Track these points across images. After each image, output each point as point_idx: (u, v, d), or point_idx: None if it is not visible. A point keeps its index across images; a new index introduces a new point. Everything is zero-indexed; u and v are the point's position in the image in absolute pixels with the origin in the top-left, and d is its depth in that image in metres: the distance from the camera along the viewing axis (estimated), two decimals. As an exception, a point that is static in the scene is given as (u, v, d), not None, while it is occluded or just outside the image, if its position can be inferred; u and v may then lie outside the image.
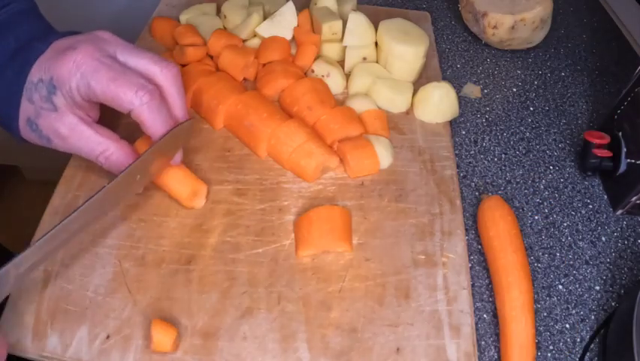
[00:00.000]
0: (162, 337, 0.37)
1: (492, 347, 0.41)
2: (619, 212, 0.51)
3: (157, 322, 0.37)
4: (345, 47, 0.59)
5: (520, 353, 0.38)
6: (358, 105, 0.54)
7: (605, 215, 0.51)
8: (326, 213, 0.44)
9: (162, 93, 0.42)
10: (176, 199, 0.46)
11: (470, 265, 0.46)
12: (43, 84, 0.39)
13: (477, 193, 0.52)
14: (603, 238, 0.49)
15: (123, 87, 0.39)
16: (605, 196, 0.53)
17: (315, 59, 0.57)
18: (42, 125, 0.40)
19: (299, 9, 0.60)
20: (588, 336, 0.42)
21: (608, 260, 0.47)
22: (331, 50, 0.59)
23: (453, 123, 0.58)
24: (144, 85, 0.39)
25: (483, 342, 0.41)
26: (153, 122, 0.41)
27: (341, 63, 0.60)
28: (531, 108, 0.61)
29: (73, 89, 0.39)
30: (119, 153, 0.42)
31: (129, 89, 0.39)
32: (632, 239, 0.49)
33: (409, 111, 0.56)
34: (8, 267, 0.34)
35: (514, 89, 0.63)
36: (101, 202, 0.39)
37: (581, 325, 0.43)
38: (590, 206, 0.52)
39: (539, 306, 0.44)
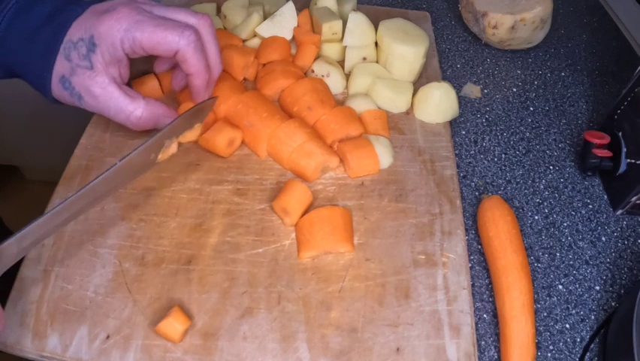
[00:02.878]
0: (175, 323, 0.37)
1: (492, 347, 0.41)
2: (619, 212, 0.51)
3: (178, 308, 0.38)
4: (345, 47, 0.59)
5: (520, 352, 0.38)
6: (358, 105, 0.54)
7: (605, 215, 0.51)
8: (327, 214, 0.44)
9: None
10: (214, 150, 0.50)
11: (470, 265, 0.46)
12: (84, 42, 0.42)
13: (477, 193, 0.52)
14: (603, 238, 0.49)
15: (169, 30, 0.42)
16: (605, 196, 0.53)
17: (315, 59, 0.57)
18: (75, 82, 0.42)
19: (299, 9, 0.60)
20: (588, 336, 0.42)
21: (608, 260, 0.47)
22: (331, 50, 0.59)
23: (453, 123, 0.58)
24: (188, 26, 0.43)
25: (483, 342, 0.41)
26: (198, 62, 0.44)
27: (341, 63, 0.60)
28: (531, 108, 0.61)
29: (116, 44, 0.41)
30: (149, 113, 0.44)
31: (175, 31, 0.42)
32: (632, 239, 0.49)
33: (409, 111, 0.56)
34: (11, 241, 0.35)
35: (514, 89, 0.63)
36: (116, 175, 0.41)
37: (581, 325, 0.43)
38: (590, 206, 0.52)
39: (539, 306, 0.44)
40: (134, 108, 0.44)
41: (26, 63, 0.43)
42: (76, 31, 0.42)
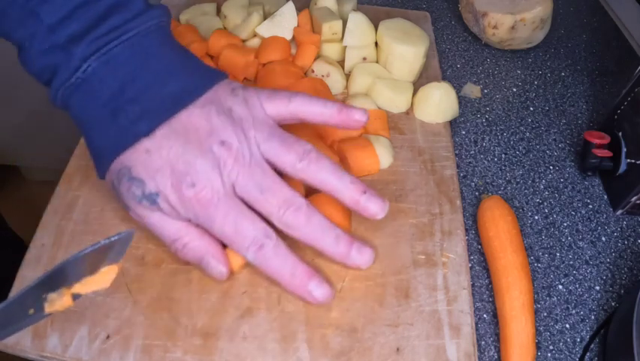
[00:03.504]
0: (234, 257, 0.39)
1: (492, 347, 0.41)
2: (619, 212, 0.51)
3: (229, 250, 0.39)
4: (345, 47, 0.59)
5: (520, 353, 0.38)
6: (359, 105, 0.54)
7: (605, 215, 0.51)
8: (325, 198, 0.44)
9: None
10: None
11: (470, 265, 0.46)
12: (143, 189, 0.36)
13: (477, 193, 0.52)
14: (603, 238, 0.49)
15: (235, 242, 0.37)
16: (605, 196, 0.53)
17: (315, 59, 0.57)
18: (121, 198, 0.38)
19: (299, 9, 0.60)
20: (588, 336, 0.42)
21: (608, 260, 0.47)
22: (331, 50, 0.59)
23: (453, 123, 0.58)
24: (257, 239, 0.36)
25: (483, 342, 0.41)
26: (276, 270, 0.37)
27: (341, 63, 0.60)
28: (531, 108, 0.61)
29: (182, 218, 0.37)
30: (196, 243, 0.38)
31: (241, 244, 0.37)
32: (632, 239, 0.49)
33: (409, 111, 0.56)
34: None
35: (514, 89, 0.63)
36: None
37: (581, 325, 0.43)
38: (590, 206, 0.52)
39: (539, 306, 0.44)
40: (183, 234, 0.38)
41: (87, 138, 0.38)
42: (139, 165, 0.36)
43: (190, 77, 0.37)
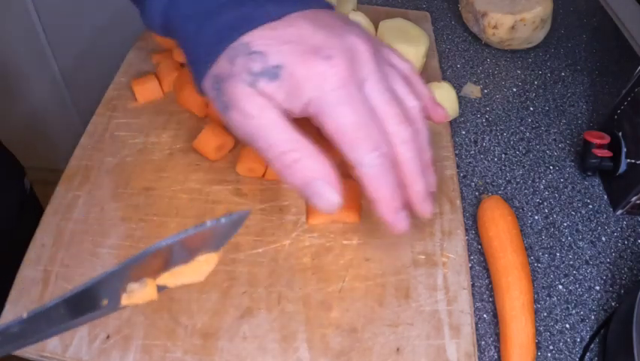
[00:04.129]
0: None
1: (492, 347, 0.41)
2: (619, 212, 0.51)
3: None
4: (345, 47, 0.59)
5: (520, 352, 0.39)
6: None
7: (605, 215, 0.51)
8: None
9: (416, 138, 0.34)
10: (203, 154, 0.49)
11: (470, 265, 0.46)
12: (264, 61, 0.31)
13: (477, 193, 0.52)
14: (603, 238, 0.49)
15: (356, 140, 0.31)
16: (605, 196, 0.53)
17: (315, 59, 0.57)
18: (226, 89, 0.32)
19: (299, 9, 0.60)
20: (588, 336, 0.42)
21: (608, 260, 0.47)
22: (331, 50, 0.59)
23: (453, 123, 0.58)
24: (379, 144, 0.32)
25: (483, 342, 0.41)
26: (382, 185, 0.33)
27: (341, 63, 0.60)
28: (531, 108, 0.61)
29: (299, 99, 0.31)
30: (310, 161, 0.32)
31: (363, 144, 0.31)
32: (632, 239, 0.49)
33: (409, 111, 0.56)
34: None
35: (514, 89, 0.63)
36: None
37: (581, 325, 0.43)
38: (590, 206, 0.52)
39: (539, 306, 0.44)
40: (295, 147, 0.32)
41: (192, 38, 0.33)
42: (260, 38, 0.31)
43: None
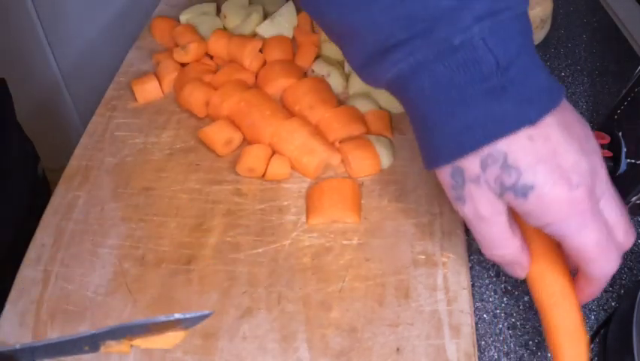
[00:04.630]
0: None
1: (492, 347, 0.41)
2: (619, 212, 0.51)
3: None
4: (345, 47, 0.59)
5: (569, 340, 0.36)
6: (361, 105, 0.54)
7: (605, 215, 0.51)
8: (337, 185, 0.46)
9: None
10: (211, 147, 0.49)
11: (470, 265, 0.46)
12: (517, 178, 0.31)
13: (477, 193, 0.52)
14: (603, 238, 0.49)
15: (597, 257, 0.33)
16: (605, 196, 0.53)
17: (315, 59, 0.57)
18: (470, 188, 0.33)
19: (299, 9, 0.60)
20: (588, 336, 0.42)
21: (608, 260, 0.47)
22: (331, 50, 0.59)
23: (453, 123, 0.57)
24: (615, 260, 0.34)
25: (483, 342, 0.41)
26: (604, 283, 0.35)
27: (341, 63, 0.60)
28: (531, 108, 0.61)
29: (541, 221, 0.32)
30: (512, 257, 0.35)
31: (601, 262, 0.33)
32: (632, 239, 0.49)
33: (409, 111, 0.56)
34: None
35: (514, 89, 0.63)
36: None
37: (581, 325, 0.43)
38: (590, 206, 0.52)
39: (539, 306, 0.44)
40: (505, 245, 0.34)
41: (434, 119, 0.32)
42: (519, 152, 0.30)
43: (549, 75, 0.33)
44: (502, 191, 0.31)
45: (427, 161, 0.34)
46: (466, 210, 0.33)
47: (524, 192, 0.31)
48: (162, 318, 0.32)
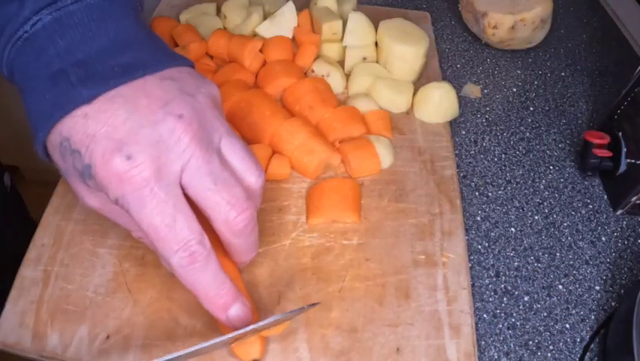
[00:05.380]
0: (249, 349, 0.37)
1: (492, 347, 0.41)
2: (619, 212, 0.51)
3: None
4: (345, 47, 0.59)
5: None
6: (361, 105, 0.54)
7: (605, 215, 0.51)
8: (337, 185, 0.46)
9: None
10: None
11: (470, 265, 0.46)
12: (81, 161, 0.30)
13: (477, 193, 0.52)
14: (603, 238, 0.49)
15: (162, 240, 0.30)
16: (605, 196, 0.53)
17: (315, 59, 0.57)
18: (69, 182, 0.33)
19: (299, 9, 0.60)
20: (588, 336, 0.42)
21: (608, 260, 0.47)
22: (331, 50, 0.59)
23: (453, 123, 0.58)
24: (188, 244, 0.31)
25: (483, 342, 0.41)
26: (201, 285, 0.32)
27: (341, 63, 0.60)
28: (531, 108, 0.61)
29: (109, 197, 0.31)
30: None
31: (168, 245, 0.30)
32: (632, 239, 0.49)
33: (409, 111, 0.56)
34: None
35: (514, 89, 0.63)
36: None
37: (581, 325, 0.43)
38: (590, 206, 0.52)
39: (539, 306, 0.44)
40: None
41: (27, 103, 0.32)
42: (77, 133, 0.30)
43: (151, 53, 0.33)
44: (80, 177, 0.31)
45: (38, 146, 0.33)
46: (89, 205, 0.34)
47: (88, 172, 0.30)
48: (278, 316, 0.34)
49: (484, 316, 0.43)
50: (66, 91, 0.30)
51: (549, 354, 0.41)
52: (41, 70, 0.31)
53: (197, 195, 0.32)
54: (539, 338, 0.42)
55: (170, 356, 0.31)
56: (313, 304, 0.36)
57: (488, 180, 0.53)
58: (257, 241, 0.36)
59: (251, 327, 0.33)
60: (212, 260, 0.32)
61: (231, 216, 0.32)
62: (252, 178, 0.34)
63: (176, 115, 0.30)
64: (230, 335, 0.33)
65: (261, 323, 0.33)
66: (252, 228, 0.34)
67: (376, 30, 0.58)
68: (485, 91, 0.63)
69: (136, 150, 0.29)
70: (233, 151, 0.33)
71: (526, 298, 0.44)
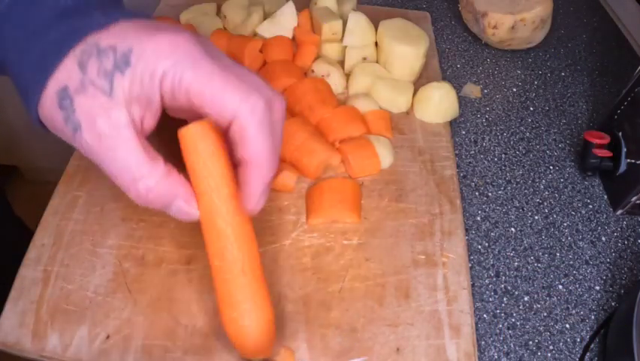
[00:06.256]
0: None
1: (492, 347, 0.41)
2: (619, 212, 0.51)
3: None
4: (345, 47, 0.59)
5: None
6: (361, 105, 0.54)
7: (605, 215, 0.51)
8: (337, 185, 0.46)
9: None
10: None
11: (470, 265, 0.46)
12: (114, 54, 0.29)
13: (477, 193, 0.52)
14: (603, 238, 0.49)
15: (230, 84, 0.29)
16: (605, 196, 0.53)
17: (315, 59, 0.57)
18: (79, 104, 0.29)
19: (299, 9, 0.60)
20: (588, 336, 0.42)
21: (608, 260, 0.47)
22: (331, 50, 0.59)
23: (453, 123, 0.58)
24: (260, 92, 0.30)
25: (483, 342, 0.41)
26: (260, 144, 0.30)
27: (341, 63, 0.60)
28: (531, 108, 0.61)
29: (155, 76, 0.29)
30: (163, 187, 0.31)
31: (238, 89, 0.29)
32: (632, 239, 0.49)
33: (409, 111, 0.56)
34: None
35: (514, 89, 0.63)
36: None
37: (581, 325, 0.43)
38: (590, 206, 0.52)
39: (539, 306, 0.44)
40: (147, 173, 0.30)
41: (18, 62, 0.31)
42: (108, 37, 0.29)
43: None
44: (110, 80, 0.29)
45: (31, 113, 0.31)
46: (86, 137, 0.29)
47: (126, 60, 0.29)
48: None
49: (484, 316, 0.43)
50: (83, 20, 0.30)
51: (549, 354, 0.41)
52: (44, 13, 0.30)
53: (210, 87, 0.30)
54: (539, 338, 0.42)
55: None
56: None
57: (488, 180, 0.53)
58: (278, 151, 0.33)
59: None
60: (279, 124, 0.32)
61: (254, 99, 0.30)
62: (267, 91, 0.33)
63: (183, 31, 0.30)
64: None
65: None
66: (278, 118, 0.32)
67: (376, 30, 0.58)
68: (485, 91, 0.63)
69: (178, 29, 0.30)
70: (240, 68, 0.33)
71: (526, 298, 0.44)
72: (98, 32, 0.29)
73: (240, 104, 0.29)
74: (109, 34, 0.29)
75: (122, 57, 0.29)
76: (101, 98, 0.29)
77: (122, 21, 0.30)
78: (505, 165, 0.55)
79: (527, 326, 0.42)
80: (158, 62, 0.29)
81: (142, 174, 0.30)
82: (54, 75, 0.29)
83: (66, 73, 0.29)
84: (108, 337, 0.38)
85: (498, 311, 0.43)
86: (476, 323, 0.42)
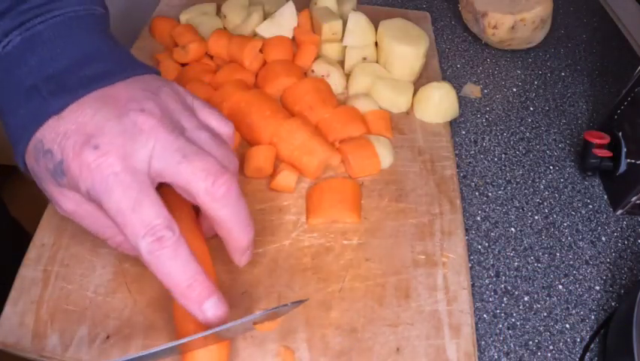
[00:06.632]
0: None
1: (492, 347, 0.41)
2: (619, 212, 0.51)
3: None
4: (345, 47, 0.59)
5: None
6: (361, 105, 0.54)
7: (605, 215, 0.51)
8: (337, 185, 0.46)
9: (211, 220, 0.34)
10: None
11: (470, 265, 0.46)
12: (53, 161, 0.32)
13: (477, 193, 0.52)
14: (603, 238, 0.49)
15: (127, 225, 0.31)
16: (605, 196, 0.53)
17: (315, 59, 0.57)
18: (43, 187, 0.34)
19: (299, 9, 0.60)
20: (588, 336, 0.42)
21: (608, 260, 0.47)
22: (331, 50, 0.59)
23: (453, 123, 0.58)
24: (155, 227, 0.31)
25: (483, 342, 0.41)
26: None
27: (341, 63, 0.60)
28: (531, 108, 0.61)
29: (82, 193, 0.31)
30: (124, 242, 0.36)
31: (134, 229, 0.31)
32: (632, 239, 0.49)
33: (409, 111, 0.56)
34: None
35: (514, 89, 0.63)
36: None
37: (581, 325, 0.43)
38: (590, 206, 0.52)
39: (539, 306, 0.44)
40: (112, 234, 0.36)
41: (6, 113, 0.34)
42: (50, 134, 0.31)
43: (117, 63, 0.35)
44: (53, 178, 0.32)
45: (19, 161, 0.35)
46: (63, 209, 0.35)
47: (60, 169, 0.31)
48: (260, 313, 0.33)
49: (484, 316, 0.43)
50: (39, 105, 0.32)
51: (549, 354, 0.41)
52: (15, 87, 0.33)
53: (173, 175, 0.32)
54: (539, 338, 0.42)
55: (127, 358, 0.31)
56: (298, 302, 0.35)
57: (488, 180, 0.53)
58: (249, 215, 0.35)
59: (224, 326, 0.32)
60: (182, 247, 0.31)
61: (209, 182, 0.32)
62: (225, 128, 0.37)
63: (139, 109, 0.32)
64: (203, 334, 0.32)
65: (239, 321, 0.32)
66: (236, 194, 0.33)
67: (376, 30, 0.58)
68: (485, 91, 0.63)
69: (103, 141, 0.31)
70: (205, 112, 0.36)
71: (526, 298, 0.44)
72: (55, 118, 0.31)
73: (188, 188, 0.32)
74: (52, 131, 0.31)
75: (59, 165, 0.31)
76: (56, 187, 0.33)
77: (77, 102, 0.32)
78: (505, 165, 0.55)
79: (527, 326, 0.42)
80: (80, 182, 0.31)
81: (105, 233, 0.36)
82: (27, 157, 0.33)
83: (29, 159, 0.33)
84: (108, 337, 0.38)
85: (498, 311, 0.43)
86: (476, 323, 0.42)
